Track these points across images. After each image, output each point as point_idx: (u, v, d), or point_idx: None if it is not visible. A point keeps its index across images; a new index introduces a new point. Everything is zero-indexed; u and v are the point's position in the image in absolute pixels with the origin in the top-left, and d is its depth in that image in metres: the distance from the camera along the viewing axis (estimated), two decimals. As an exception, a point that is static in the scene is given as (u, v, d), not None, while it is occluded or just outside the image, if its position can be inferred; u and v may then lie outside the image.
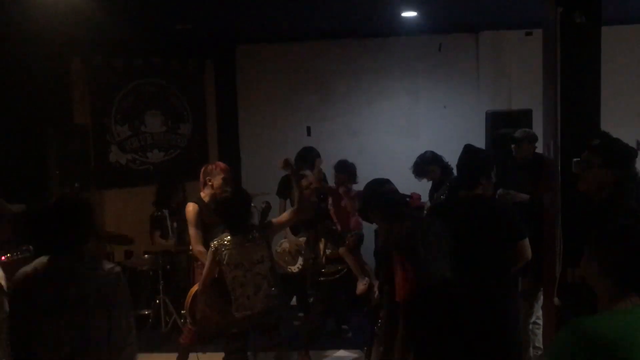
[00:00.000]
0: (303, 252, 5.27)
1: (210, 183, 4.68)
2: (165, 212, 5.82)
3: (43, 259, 2.61)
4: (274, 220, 4.37)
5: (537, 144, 5.43)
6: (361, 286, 4.86)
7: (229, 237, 3.99)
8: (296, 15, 6.10)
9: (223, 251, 3.96)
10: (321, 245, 4.97)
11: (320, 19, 6.31)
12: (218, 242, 4.00)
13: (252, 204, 4.53)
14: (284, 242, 5.53)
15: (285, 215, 4.38)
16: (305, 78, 7.50)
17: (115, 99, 6.68)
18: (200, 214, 4.61)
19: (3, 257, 4.31)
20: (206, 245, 4.61)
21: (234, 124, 7.57)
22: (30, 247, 4.40)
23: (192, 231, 4.60)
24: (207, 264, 4.05)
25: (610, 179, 2.92)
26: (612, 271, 1.80)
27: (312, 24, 6.61)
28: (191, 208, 4.62)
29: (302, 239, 5.40)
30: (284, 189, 6.00)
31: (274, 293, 4.05)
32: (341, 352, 5.23)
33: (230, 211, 4.00)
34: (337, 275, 4.96)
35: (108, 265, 2.68)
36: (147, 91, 6.90)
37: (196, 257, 4.69)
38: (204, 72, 7.35)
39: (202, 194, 4.75)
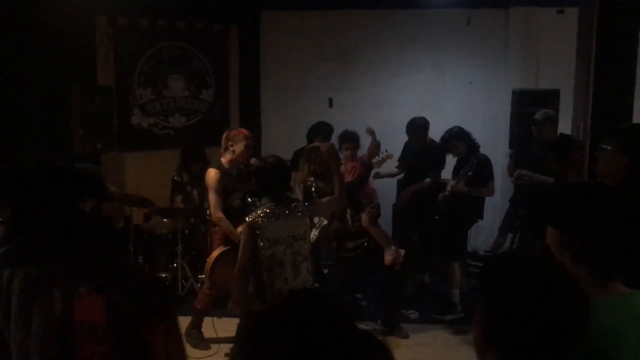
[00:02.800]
0: (323, 223, 5.25)
1: (232, 149, 4.67)
2: (186, 177, 5.85)
3: None
4: (322, 200, 4.01)
5: (564, 124, 5.35)
6: (389, 256, 4.80)
7: (266, 209, 3.55)
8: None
9: (260, 223, 3.49)
10: (348, 217, 4.91)
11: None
12: (254, 215, 3.55)
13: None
14: None
15: (327, 199, 3.99)
16: (329, 47, 7.41)
17: (139, 61, 6.65)
18: (221, 179, 4.61)
19: None
20: (225, 212, 4.64)
21: (256, 91, 7.53)
22: None
23: (212, 197, 4.61)
24: (242, 242, 3.56)
25: (622, 164, 2.82)
26: (582, 258, 1.66)
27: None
28: (213, 174, 4.62)
29: None
30: (296, 163, 6.00)
31: (312, 281, 3.61)
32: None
33: (274, 177, 3.63)
34: (359, 250, 4.93)
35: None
36: (171, 55, 6.86)
37: (214, 223, 4.72)
38: (228, 37, 7.27)
39: (223, 160, 4.74)
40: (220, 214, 4.59)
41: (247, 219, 3.58)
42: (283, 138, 7.10)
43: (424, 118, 5.79)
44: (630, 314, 1.63)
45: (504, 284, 1.33)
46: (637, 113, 3.68)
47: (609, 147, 2.87)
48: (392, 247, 4.83)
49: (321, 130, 5.99)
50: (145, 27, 6.67)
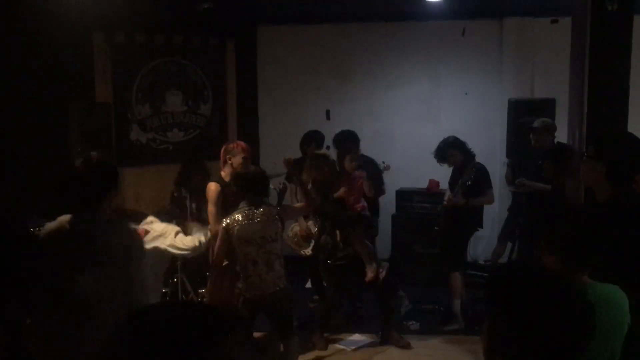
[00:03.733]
0: (316, 236, 5.29)
1: (230, 162, 4.70)
2: (185, 191, 5.85)
3: (66, 216, 2.70)
4: (292, 205, 4.41)
5: (560, 133, 5.39)
6: (370, 273, 4.88)
7: (241, 213, 3.96)
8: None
9: (235, 226, 3.92)
10: (337, 232, 4.96)
11: (343, 1, 6.26)
12: (230, 218, 3.97)
13: (271, 186, 4.59)
14: (295, 226, 5.57)
15: (299, 206, 4.51)
16: (326, 60, 7.46)
17: (136, 77, 6.69)
18: (222, 193, 4.63)
19: None
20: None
21: (254, 104, 7.57)
22: None
23: (212, 210, 4.62)
24: (217, 241, 4.02)
25: (601, 172, 2.71)
26: (557, 249, 2.07)
27: (334, 6, 6.56)
28: (213, 187, 4.64)
29: (312, 223, 5.44)
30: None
31: (285, 274, 4.00)
32: (356, 336, 5.25)
33: (248, 182, 4.02)
34: (346, 260, 4.94)
35: (127, 224, 2.92)
36: (168, 70, 6.90)
37: (214, 236, 4.72)
38: (225, 51, 7.32)
39: (223, 174, 4.77)
40: (219, 227, 4.60)
41: (223, 221, 4.00)
42: (281, 151, 7.10)
43: (453, 136, 5.60)
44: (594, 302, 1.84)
45: (509, 295, 1.37)
46: (632, 121, 3.71)
47: (587, 155, 2.83)
48: (374, 265, 4.87)
49: (313, 139, 6.04)
50: (143, 43, 6.71)
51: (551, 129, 5.40)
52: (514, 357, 1.35)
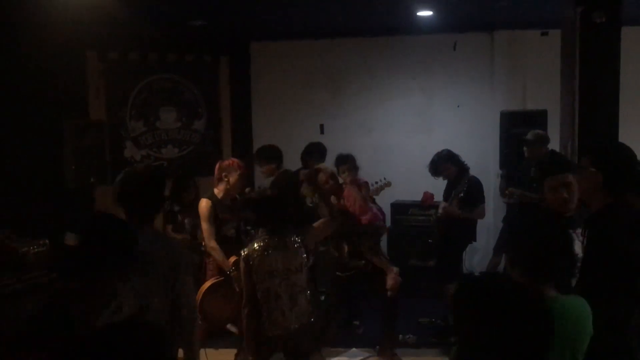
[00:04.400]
0: (322, 248, 5.22)
1: (226, 179, 4.71)
2: (176, 206, 5.84)
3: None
4: (314, 225, 3.93)
5: (552, 144, 5.43)
6: (390, 280, 4.74)
7: (261, 242, 3.57)
8: (311, 13, 6.10)
9: (255, 257, 3.52)
10: (345, 246, 4.86)
11: (334, 16, 6.30)
12: (249, 248, 3.58)
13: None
14: None
15: (320, 225, 3.94)
16: (319, 75, 7.50)
17: (130, 95, 6.71)
18: (213, 209, 4.64)
19: None
20: (219, 242, 4.65)
21: (248, 120, 7.59)
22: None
23: (205, 226, 4.63)
24: (242, 275, 3.59)
25: (597, 182, 2.76)
26: (518, 263, 2.13)
27: (327, 21, 6.61)
28: (204, 204, 4.65)
29: None
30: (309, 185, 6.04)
31: (311, 311, 3.61)
32: (353, 350, 5.23)
33: (270, 210, 3.62)
34: (355, 272, 4.84)
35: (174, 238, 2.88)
36: (162, 87, 6.93)
37: (208, 253, 4.72)
38: (219, 68, 7.36)
39: (216, 190, 4.77)
40: (213, 244, 4.60)
41: (242, 252, 3.61)
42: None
43: (447, 150, 5.58)
44: (557, 314, 1.93)
45: (472, 305, 1.41)
46: (622, 131, 3.75)
47: (581, 166, 2.87)
48: (394, 269, 4.80)
49: (315, 151, 6.03)
50: (136, 60, 6.74)
51: (544, 140, 5.46)
52: None
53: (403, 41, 7.27)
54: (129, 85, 6.70)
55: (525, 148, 5.46)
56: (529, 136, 5.44)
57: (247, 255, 3.55)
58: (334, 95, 7.49)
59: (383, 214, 5.44)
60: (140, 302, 2.59)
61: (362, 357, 5.13)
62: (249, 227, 4.95)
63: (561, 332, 1.95)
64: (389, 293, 4.78)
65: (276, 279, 3.52)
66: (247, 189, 4.99)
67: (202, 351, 4.71)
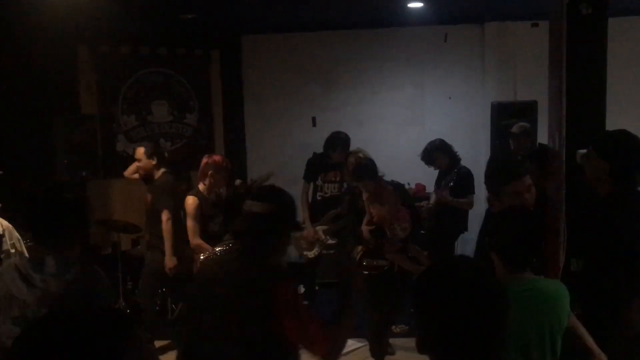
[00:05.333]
0: (327, 242, 5.14)
1: (211, 176, 4.73)
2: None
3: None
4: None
5: (542, 135, 5.46)
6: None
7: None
8: (301, 6, 6.10)
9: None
10: (358, 248, 4.56)
11: (325, 9, 6.31)
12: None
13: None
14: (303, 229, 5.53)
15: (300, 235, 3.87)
16: (311, 68, 7.51)
17: (121, 89, 6.71)
18: (200, 207, 4.66)
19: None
20: (205, 238, 4.65)
21: (240, 113, 7.60)
22: None
23: (190, 224, 4.65)
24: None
25: (604, 170, 2.90)
26: (499, 251, 2.25)
27: (318, 14, 6.61)
28: (191, 201, 4.67)
29: (320, 228, 5.41)
30: (310, 172, 6.06)
31: None
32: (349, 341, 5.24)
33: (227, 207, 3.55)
34: (375, 272, 4.41)
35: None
36: (153, 81, 6.93)
37: (193, 250, 4.73)
38: (210, 61, 7.36)
39: (201, 186, 4.79)
40: (198, 241, 4.62)
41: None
42: (268, 159, 7.17)
43: (439, 139, 5.55)
44: (535, 294, 2.23)
45: (428, 294, 1.46)
46: (609, 121, 3.78)
47: (588, 155, 2.98)
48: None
49: (339, 141, 5.86)
50: (127, 54, 6.73)
51: (529, 133, 5.48)
52: (438, 349, 1.44)
53: (394, 33, 7.28)
54: (120, 79, 6.69)
55: (510, 141, 5.50)
56: (514, 129, 5.47)
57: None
58: (326, 88, 7.51)
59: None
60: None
61: (355, 347, 5.17)
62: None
63: (539, 310, 2.22)
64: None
65: None
66: (237, 181, 5.01)
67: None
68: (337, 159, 5.82)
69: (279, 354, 2.26)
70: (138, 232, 5.90)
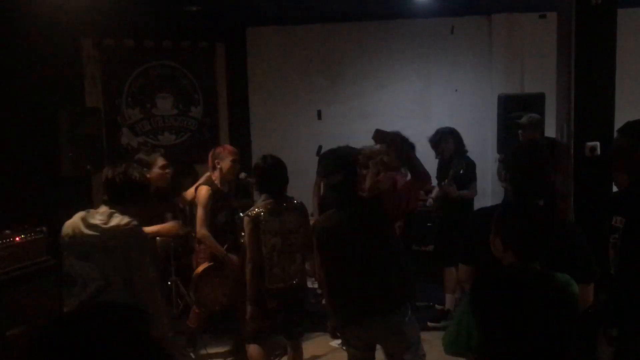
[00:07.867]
0: None
1: (219, 166, 4.70)
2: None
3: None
4: None
5: (550, 128, 5.41)
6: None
7: (267, 205, 3.90)
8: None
9: (262, 218, 3.87)
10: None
11: (331, 1, 6.26)
12: (256, 210, 3.89)
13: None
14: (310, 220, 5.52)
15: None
16: (316, 61, 7.46)
17: (126, 82, 6.69)
18: (212, 197, 4.63)
19: None
20: (210, 229, 4.63)
21: (245, 106, 7.57)
22: None
23: (200, 213, 4.61)
24: (247, 235, 3.90)
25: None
26: (510, 244, 2.25)
27: (323, 6, 6.56)
28: (204, 191, 4.64)
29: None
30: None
31: (304, 269, 4.03)
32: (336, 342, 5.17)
33: (272, 176, 3.97)
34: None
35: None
36: (158, 74, 6.90)
37: (199, 240, 4.71)
38: (215, 54, 7.32)
39: (213, 177, 4.77)
40: (205, 231, 4.59)
41: (249, 213, 3.92)
42: (273, 152, 7.10)
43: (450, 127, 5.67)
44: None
45: (486, 299, 1.47)
46: (618, 113, 3.72)
47: (621, 144, 2.93)
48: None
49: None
50: (132, 47, 6.71)
51: (538, 124, 5.43)
52: (495, 350, 1.43)
53: (400, 25, 7.22)
54: (124, 72, 6.68)
55: (519, 132, 5.45)
56: (523, 120, 5.41)
57: (254, 216, 3.88)
58: (331, 81, 7.46)
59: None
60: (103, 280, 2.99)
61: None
62: (241, 214, 4.92)
63: (549, 305, 2.21)
64: None
65: (278, 238, 3.91)
66: (241, 174, 4.99)
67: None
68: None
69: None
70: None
